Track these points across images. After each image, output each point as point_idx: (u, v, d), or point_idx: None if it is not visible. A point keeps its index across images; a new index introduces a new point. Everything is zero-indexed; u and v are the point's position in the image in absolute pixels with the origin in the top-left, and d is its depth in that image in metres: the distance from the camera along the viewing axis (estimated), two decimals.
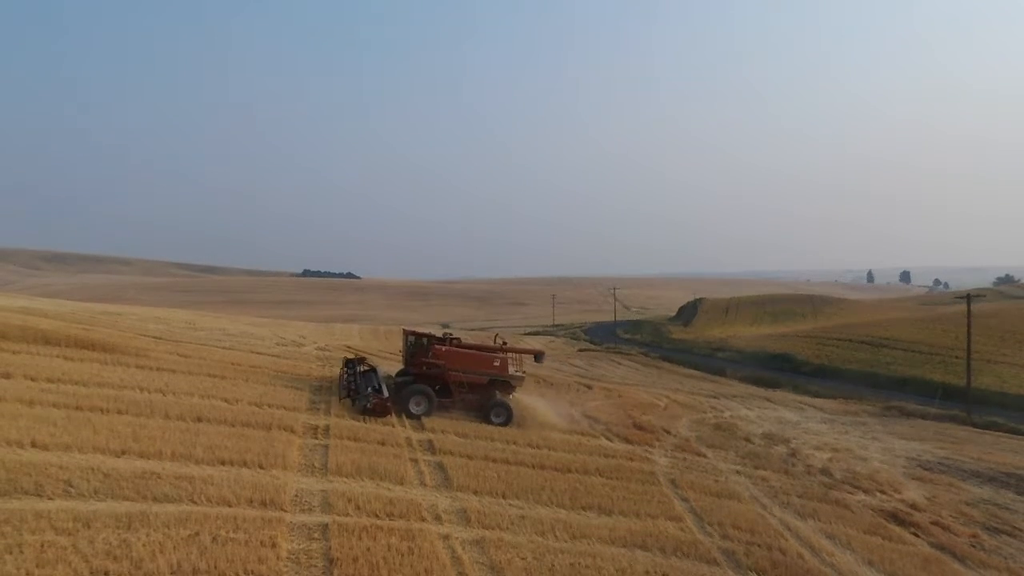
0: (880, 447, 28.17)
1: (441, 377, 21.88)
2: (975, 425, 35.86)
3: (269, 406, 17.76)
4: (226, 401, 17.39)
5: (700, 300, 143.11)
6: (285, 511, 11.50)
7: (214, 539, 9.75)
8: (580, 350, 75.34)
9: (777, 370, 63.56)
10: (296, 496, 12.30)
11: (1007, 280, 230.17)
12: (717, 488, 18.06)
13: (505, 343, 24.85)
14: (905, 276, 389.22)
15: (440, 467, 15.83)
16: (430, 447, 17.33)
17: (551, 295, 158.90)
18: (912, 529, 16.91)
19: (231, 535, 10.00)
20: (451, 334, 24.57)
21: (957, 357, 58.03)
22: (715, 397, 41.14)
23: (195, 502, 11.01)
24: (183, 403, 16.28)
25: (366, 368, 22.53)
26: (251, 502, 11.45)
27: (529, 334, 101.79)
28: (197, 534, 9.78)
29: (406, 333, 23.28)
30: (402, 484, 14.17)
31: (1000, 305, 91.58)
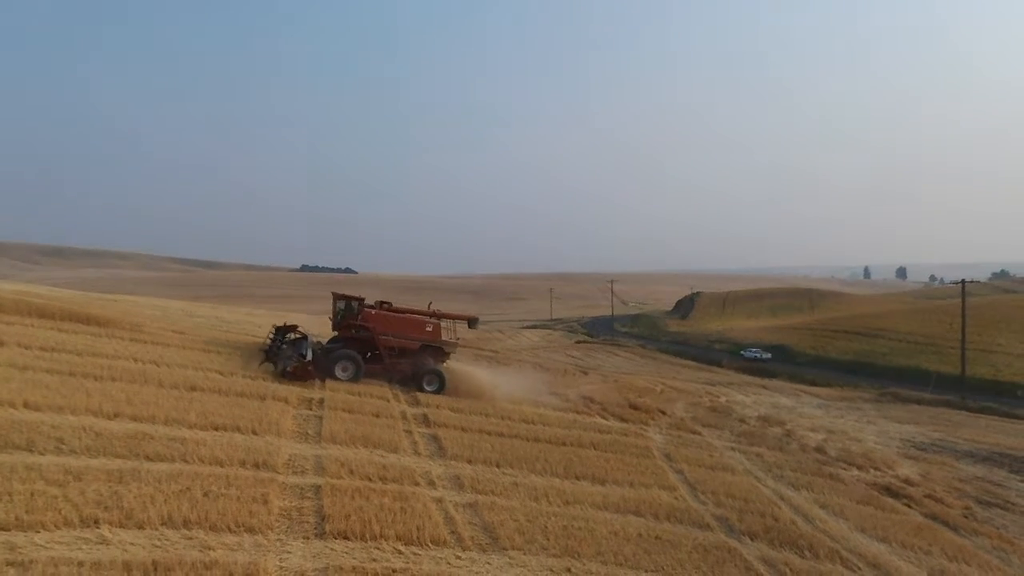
0: (875, 429, 28.27)
1: (371, 342, 21.05)
2: (969, 410, 36.01)
3: (264, 379, 17.73)
4: (220, 373, 17.34)
5: (697, 294, 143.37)
6: (278, 472, 11.49)
7: (206, 494, 9.73)
8: (577, 342, 75.55)
9: (773, 360, 63.81)
10: (289, 460, 12.29)
11: (1002, 275, 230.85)
12: (711, 462, 18.10)
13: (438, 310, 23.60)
14: (901, 272, 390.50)
15: (434, 438, 15.83)
16: (424, 420, 17.32)
17: (548, 289, 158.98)
18: (905, 501, 16.98)
19: (223, 491, 9.98)
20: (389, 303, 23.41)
21: (952, 347, 58.24)
22: (711, 384, 41.25)
23: (187, 461, 10.98)
24: (177, 374, 16.22)
25: (298, 335, 21.68)
26: (244, 463, 11.43)
27: (527, 327, 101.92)
28: (188, 489, 9.77)
29: (335, 297, 22.15)
30: (396, 452, 14.17)
31: (995, 298, 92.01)
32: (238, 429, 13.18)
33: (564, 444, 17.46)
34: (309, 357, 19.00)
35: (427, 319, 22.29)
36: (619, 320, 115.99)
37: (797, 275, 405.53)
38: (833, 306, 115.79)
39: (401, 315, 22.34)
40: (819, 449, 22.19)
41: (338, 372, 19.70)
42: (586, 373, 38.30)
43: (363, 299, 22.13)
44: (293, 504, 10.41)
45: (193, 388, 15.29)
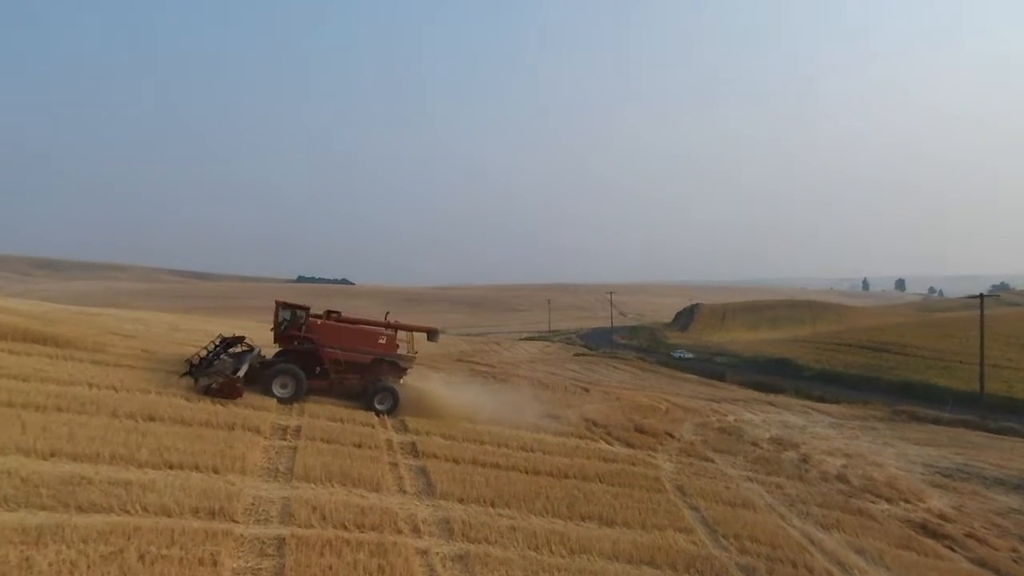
0: (894, 452, 26.68)
1: (316, 355, 19.27)
2: (990, 430, 34.36)
3: (235, 404, 16.08)
4: (186, 399, 15.68)
5: (697, 306, 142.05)
6: (236, 522, 9.85)
7: (141, 557, 8.10)
8: (576, 355, 73.80)
9: (777, 374, 62.25)
10: (252, 504, 10.65)
11: (1002, 288, 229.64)
12: (729, 496, 16.45)
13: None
14: (900, 284, 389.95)
15: (422, 472, 14.20)
16: (412, 450, 15.68)
17: (546, 300, 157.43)
18: (946, 542, 15.34)
19: (163, 552, 8.34)
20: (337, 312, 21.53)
21: (960, 362, 56.79)
22: (716, 401, 39.62)
23: (128, 512, 9.35)
24: (136, 400, 14.57)
25: (243, 348, 19.90)
26: (196, 512, 9.81)
27: (525, 339, 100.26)
28: (121, 551, 8.13)
29: (278, 305, 20.19)
30: (378, 491, 12.54)
31: (1000, 310, 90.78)
32: (196, 467, 11.54)
33: (567, 476, 15.83)
34: (241, 373, 17.17)
35: (381, 330, 20.47)
36: (618, 331, 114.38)
37: (795, 286, 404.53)
38: (835, 318, 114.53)
39: (351, 326, 20.51)
40: (840, 477, 20.56)
41: (276, 389, 17.85)
42: (587, 390, 36.62)
43: (308, 308, 20.32)
44: (250, 564, 8.79)
45: (151, 418, 13.64)
